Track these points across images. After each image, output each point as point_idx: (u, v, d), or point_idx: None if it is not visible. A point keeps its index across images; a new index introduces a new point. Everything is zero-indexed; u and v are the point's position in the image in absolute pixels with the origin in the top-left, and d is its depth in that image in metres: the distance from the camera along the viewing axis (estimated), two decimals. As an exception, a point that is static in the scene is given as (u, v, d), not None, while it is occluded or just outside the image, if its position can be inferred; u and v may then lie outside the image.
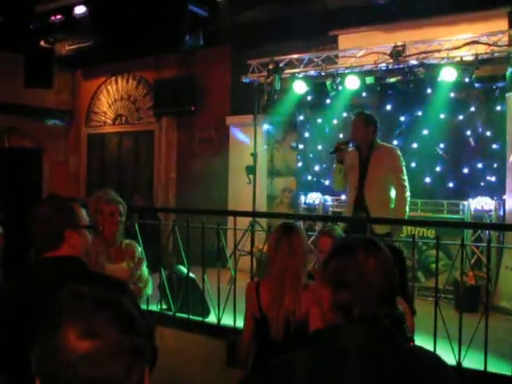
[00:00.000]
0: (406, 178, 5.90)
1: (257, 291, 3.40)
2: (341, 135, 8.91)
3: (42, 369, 1.13)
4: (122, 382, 1.13)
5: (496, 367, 4.37)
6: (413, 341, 3.12)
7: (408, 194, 5.87)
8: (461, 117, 8.21)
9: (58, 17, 8.86)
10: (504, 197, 7.42)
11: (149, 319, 1.25)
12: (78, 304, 1.16)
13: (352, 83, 8.40)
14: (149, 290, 4.30)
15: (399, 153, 6.02)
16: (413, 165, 8.27)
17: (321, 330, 1.73)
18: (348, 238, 1.86)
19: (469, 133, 8.15)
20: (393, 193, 5.86)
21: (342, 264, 1.72)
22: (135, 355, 1.15)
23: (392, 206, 5.83)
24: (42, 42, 9.83)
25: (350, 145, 6.12)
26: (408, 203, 5.86)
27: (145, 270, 4.24)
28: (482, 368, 4.25)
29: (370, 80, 8.33)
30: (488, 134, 8.00)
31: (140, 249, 4.42)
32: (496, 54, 7.32)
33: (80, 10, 8.52)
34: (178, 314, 5.75)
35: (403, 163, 5.98)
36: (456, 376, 1.74)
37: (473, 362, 4.36)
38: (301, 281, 3.29)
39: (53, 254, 2.46)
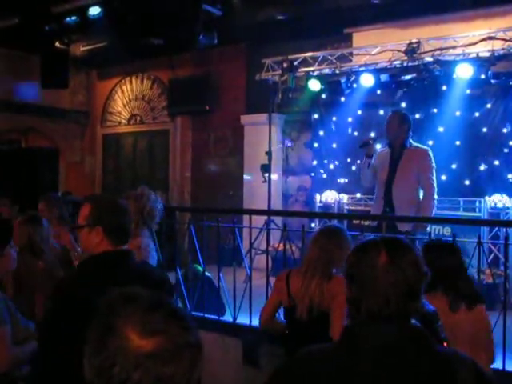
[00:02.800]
0: (435, 178, 5.93)
1: (287, 279, 3.68)
2: (355, 133, 8.87)
3: (104, 375, 1.11)
4: (188, 377, 1.13)
5: (514, 366, 4.33)
6: (446, 341, 3.07)
7: (436, 195, 5.94)
8: (477, 113, 8.14)
9: (73, 18, 8.90)
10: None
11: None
12: (131, 306, 1.16)
13: (367, 81, 8.37)
14: None
15: (431, 154, 6.04)
16: (429, 162, 8.22)
17: (346, 326, 1.75)
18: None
19: (485, 130, 8.08)
20: (421, 193, 5.90)
21: (354, 260, 1.77)
22: (197, 349, 1.16)
23: (418, 208, 5.87)
24: (58, 43, 9.90)
25: (377, 142, 6.18)
26: (435, 203, 5.94)
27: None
28: (500, 367, 4.21)
29: (384, 77, 8.30)
30: (505, 130, 7.93)
31: (146, 244, 4.42)
32: (513, 50, 7.26)
33: (95, 10, 8.56)
34: (193, 313, 5.75)
35: (433, 164, 6.00)
36: (492, 383, 1.72)
37: (491, 360, 4.32)
38: (329, 270, 3.55)
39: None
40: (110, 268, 2.63)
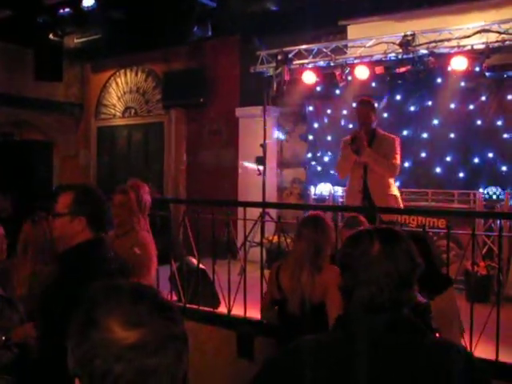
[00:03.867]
0: (398, 162, 5.98)
1: (277, 274, 3.68)
2: (350, 125, 8.86)
3: (86, 367, 1.09)
4: (173, 370, 1.10)
5: (508, 357, 4.35)
6: (438, 332, 3.06)
7: (395, 171, 5.98)
8: (471, 106, 8.15)
9: (67, 10, 8.86)
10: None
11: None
12: (115, 298, 1.14)
13: (361, 73, 8.36)
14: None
15: (397, 141, 6.05)
16: (423, 155, 8.24)
17: (339, 316, 1.75)
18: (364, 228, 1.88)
19: (479, 122, 8.09)
20: (390, 177, 5.97)
21: (347, 249, 1.78)
22: (182, 341, 1.14)
23: (392, 191, 5.93)
24: (51, 35, 9.85)
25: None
26: (393, 173, 5.99)
27: (146, 266, 4.29)
28: (493, 358, 4.23)
29: (379, 70, 8.28)
30: (499, 123, 7.94)
31: (144, 239, 4.46)
32: (507, 43, 7.25)
33: (88, 2, 8.51)
34: (188, 305, 5.76)
35: (398, 148, 6.01)
36: (484, 372, 1.72)
37: (484, 351, 4.34)
38: (318, 263, 3.51)
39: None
40: (98, 257, 2.66)
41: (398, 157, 5.95)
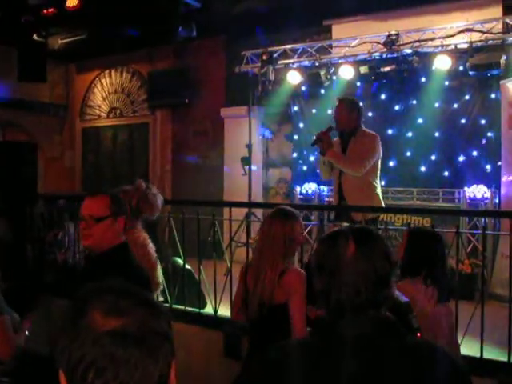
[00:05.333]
0: (368, 162, 5.51)
1: (244, 275, 3.49)
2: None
3: (65, 353, 1.09)
4: (148, 366, 1.08)
5: (492, 354, 4.39)
6: (419, 331, 3.05)
7: (357, 168, 5.50)
8: (455, 105, 8.20)
9: (51, 10, 8.80)
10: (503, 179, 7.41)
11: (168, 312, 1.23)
12: (105, 293, 1.16)
13: (346, 73, 8.40)
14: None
15: (376, 139, 5.65)
16: (408, 154, 8.28)
17: (319, 318, 1.74)
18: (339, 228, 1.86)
19: (464, 121, 8.14)
20: (370, 177, 5.59)
21: (322, 250, 1.77)
22: (163, 339, 1.12)
23: (370, 190, 5.61)
24: (35, 36, 9.79)
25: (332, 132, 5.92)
26: (357, 169, 5.51)
27: (149, 262, 4.27)
28: (478, 355, 4.27)
29: (364, 69, 8.32)
30: (483, 121, 7.99)
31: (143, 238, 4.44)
32: (490, 42, 7.32)
33: (72, 2, 8.46)
34: (174, 306, 5.75)
35: (376, 148, 5.60)
36: (467, 372, 1.72)
37: (469, 349, 4.37)
38: (278, 263, 3.28)
39: None
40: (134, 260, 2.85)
41: (371, 154, 5.55)
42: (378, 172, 5.74)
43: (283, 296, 3.21)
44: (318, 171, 9.15)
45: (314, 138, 5.78)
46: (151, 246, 4.39)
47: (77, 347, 1.07)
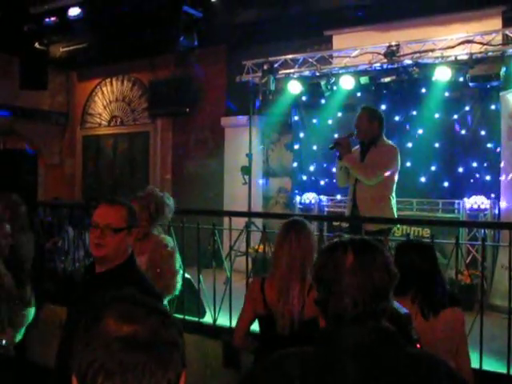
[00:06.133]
0: (381, 172, 5.56)
1: (261, 288, 3.34)
2: (336, 135, 8.90)
3: (78, 359, 1.11)
4: (156, 373, 1.09)
5: (491, 365, 4.38)
6: (419, 343, 2.99)
7: (371, 177, 5.55)
8: (455, 116, 8.22)
9: (53, 19, 8.84)
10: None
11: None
12: (120, 301, 1.19)
13: (346, 83, 8.42)
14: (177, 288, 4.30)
15: (395, 151, 5.71)
16: (408, 164, 8.28)
17: (320, 329, 1.74)
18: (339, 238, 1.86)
19: (463, 132, 8.17)
20: (386, 189, 5.63)
21: (322, 261, 1.76)
22: (172, 348, 1.14)
23: (383, 202, 5.62)
24: (37, 44, 9.82)
25: (351, 139, 5.94)
26: (370, 177, 5.56)
27: (173, 264, 4.26)
28: (477, 366, 4.25)
29: (364, 80, 8.34)
30: (483, 133, 8.01)
31: (171, 243, 4.46)
32: (490, 53, 7.35)
33: (74, 11, 8.50)
34: (173, 315, 5.73)
35: (393, 161, 5.66)
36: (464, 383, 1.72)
37: (468, 360, 4.36)
38: (307, 276, 3.18)
39: None
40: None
41: (386, 165, 5.60)
42: (394, 185, 5.74)
43: (313, 310, 3.12)
44: (319, 181, 9.28)
45: (334, 141, 5.86)
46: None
47: (88, 351, 1.10)
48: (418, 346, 2.93)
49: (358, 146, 5.90)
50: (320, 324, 2.99)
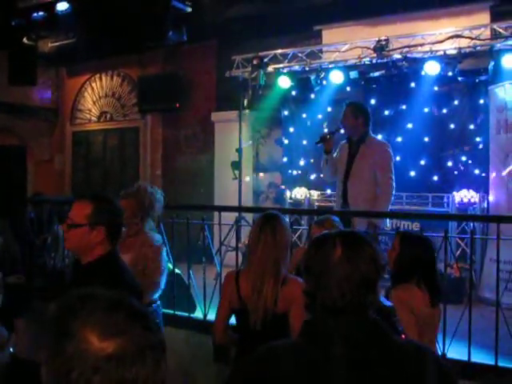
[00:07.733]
0: (393, 176, 5.67)
1: (236, 281, 3.30)
2: (326, 130, 8.92)
3: (62, 381, 1.04)
4: (152, 379, 1.08)
5: (480, 357, 4.41)
6: (404, 334, 3.06)
7: (393, 192, 5.68)
8: (445, 110, 8.26)
9: (41, 13, 8.79)
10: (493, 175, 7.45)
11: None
12: (90, 307, 1.10)
13: (336, 78, 8.42)
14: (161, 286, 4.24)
15: (389, 149, 5.78)
16: (397, 158, 8.30)
17: (307, 320, 1.76)
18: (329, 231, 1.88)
19: (453, 126, 8.21)
20: (378, 191, 5.65)
21: (311, 253, 1.79)
22: (159, 350, 1.12)
23: (375, 201, 5.63)
24: (25, 39, 9.76)
25: (337, 134, 5.98)
26: (390, 201, 5.68)
27: (159, 262, 4.19)
28: (466, 358, 4.29)
29: (354, 74, 8.34)
30: (472, 126, 8.05)
31: (158, 241, 4.31)
32: (478, 48, 7.36)
33: (62, 6, 8.46)
34: (163, 310, 5.74)
35: (392, 160, 5.77)
36: (451, 372, 1.74)
37: (457, 352, 4.40)
38: (281, 272, 3.19)
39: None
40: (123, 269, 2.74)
41: (389, 169, 5.67)
42: None
43: (284, 305, 3.14)
44: (309, 176, 9.29)
45: (320, 137, 5.92)
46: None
47: (77, 375, 1.03)
48: (403, 336, 2.98)
49: (344, 141, 5.94)
50: (297, 325, 2.99)
